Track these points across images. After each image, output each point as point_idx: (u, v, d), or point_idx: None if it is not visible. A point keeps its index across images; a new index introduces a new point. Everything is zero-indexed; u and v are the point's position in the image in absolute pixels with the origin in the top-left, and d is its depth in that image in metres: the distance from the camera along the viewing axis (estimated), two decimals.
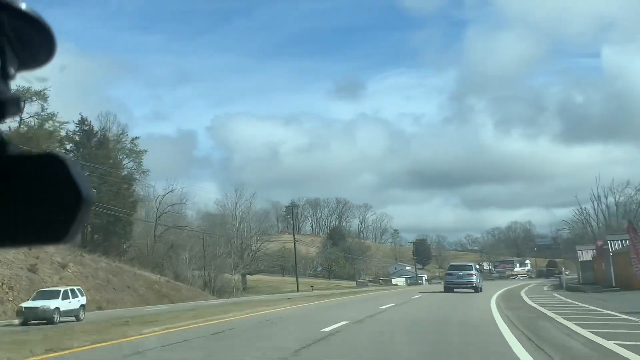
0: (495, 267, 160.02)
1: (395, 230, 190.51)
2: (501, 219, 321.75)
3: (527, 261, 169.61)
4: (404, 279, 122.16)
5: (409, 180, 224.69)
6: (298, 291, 77.64)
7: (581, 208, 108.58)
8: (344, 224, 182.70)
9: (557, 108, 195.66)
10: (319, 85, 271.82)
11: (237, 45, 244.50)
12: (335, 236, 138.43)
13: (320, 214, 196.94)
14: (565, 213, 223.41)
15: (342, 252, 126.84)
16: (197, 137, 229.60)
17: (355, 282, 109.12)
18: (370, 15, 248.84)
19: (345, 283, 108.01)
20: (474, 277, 44.28)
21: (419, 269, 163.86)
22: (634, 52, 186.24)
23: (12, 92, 1.13)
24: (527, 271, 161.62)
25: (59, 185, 1.06)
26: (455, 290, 42.95)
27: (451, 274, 45.13)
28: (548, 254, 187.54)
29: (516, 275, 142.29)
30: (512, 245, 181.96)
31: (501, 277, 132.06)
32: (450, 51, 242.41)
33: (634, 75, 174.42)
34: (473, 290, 42.86)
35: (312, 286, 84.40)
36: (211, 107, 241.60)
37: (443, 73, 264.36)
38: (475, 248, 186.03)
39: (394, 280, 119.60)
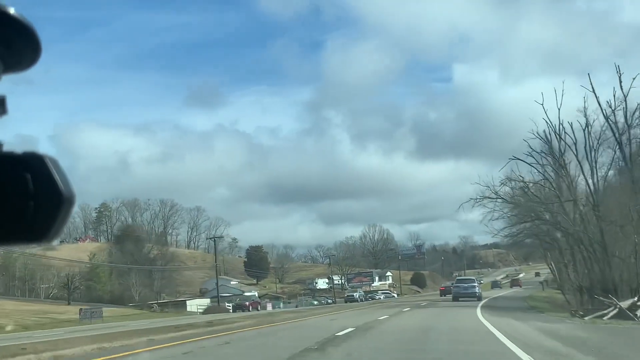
0: (348, 281, 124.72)
1: (234, 239, 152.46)
2: (357, 234, 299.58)
3: (389, 274, 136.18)
4: (210, 301, 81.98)
5: (265, 194, 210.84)
6: None
7: None
8: (170, 230, 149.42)
9: (411, 124, 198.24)
10: (176, 98, 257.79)
11: (92, 56, 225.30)
12: (125, 240, 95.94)
13: (140, 219, 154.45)
14: (420, 229, 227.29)
15: (127, 262, 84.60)
16: (37, 145, 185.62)
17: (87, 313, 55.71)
18: (229, 31, 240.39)
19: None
20: (476, 288, 52.85)
21: (251, 284, 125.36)
22: (485, 69, 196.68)
23: None
24: (389, 286, 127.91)
25: (40, 184, 1.05)
26: (461, 299, 49.71)
27: (458, 286, 54.30)
28: (411, 265, 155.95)
29: (375, 293, 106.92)
30: (370, 255, 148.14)
31: (349, 299, 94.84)
32: (310, 65, 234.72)
33: (483, 92, 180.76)
34: (476, 299, 48.83)
35: None
36: (60, 116, 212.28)
37: (300, 87, 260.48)
38: (327, 261, 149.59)
39: (193, 303, 79.04)
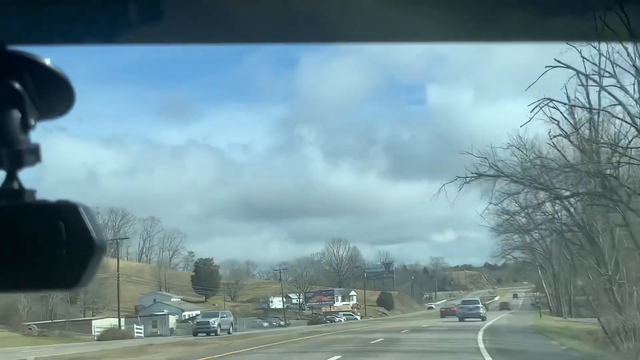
0: (306, 300, 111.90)
1: (190, 253, 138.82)
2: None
3: (353, 293, 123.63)
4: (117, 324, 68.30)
5: (235, 210, 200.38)
6: None
7: None
8: (120, 241, 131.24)
9: (385, 143, 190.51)
10: (147, 112, 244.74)
11: (63, 69, 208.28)
12: None
13: None
14: (391, 249, 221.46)
15: None
16: None
17: None
18: (203, 47, 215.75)
19: None
20: (480, 309, 58.23)
21: (199, 301, 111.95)
22: (459, 89, 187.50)
23: (31, 142, 1.15)
24: (353, 307, 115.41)
25: (73, 232, 1.07)
26: (466, 319, 53.53)
27: (463, 307, 60.06)
28: (378, 284, 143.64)
29: (335, 314, 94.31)
30: (333, 274, 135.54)
31: (308, 319, 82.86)
32: (284, 82, 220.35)
33: (458, 113, 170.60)
34: (481, 319, 52.86)
35: None
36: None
37: (274, 103, 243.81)
38: (290, 279, 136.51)
39: (101, 324, 64.83)
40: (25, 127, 1.14)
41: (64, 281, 1.09)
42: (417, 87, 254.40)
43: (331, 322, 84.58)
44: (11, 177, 1.14)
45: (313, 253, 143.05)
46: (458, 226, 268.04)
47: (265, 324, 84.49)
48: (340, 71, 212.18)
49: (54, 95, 1.18)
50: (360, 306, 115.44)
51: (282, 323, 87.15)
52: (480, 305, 60.70)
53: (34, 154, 1.16)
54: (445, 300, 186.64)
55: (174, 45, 1.26)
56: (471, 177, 25.28)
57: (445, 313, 74.86)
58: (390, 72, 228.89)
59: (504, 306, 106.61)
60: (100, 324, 61.66)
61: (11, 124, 1.13)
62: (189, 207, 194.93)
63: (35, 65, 1.13)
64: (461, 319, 54.54)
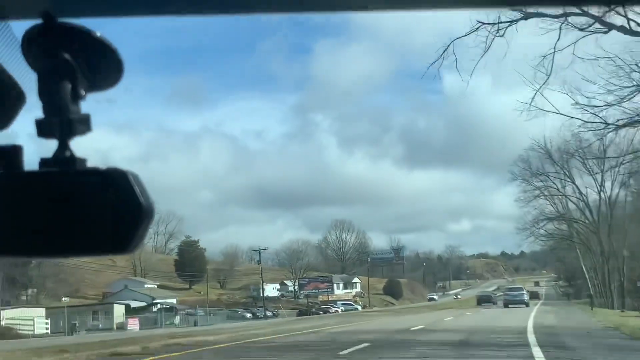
0: (301, 287, 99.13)
1: (187, 237, 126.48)
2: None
3: (356, 280, 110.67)
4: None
5: (249, 198, 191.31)
6: None
7: None
8: None
9: (400, 130, 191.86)
10: (161, 100, 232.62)
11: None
12: None
13: None
14: (406, 239, 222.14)
15: None
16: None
17: None
18: (218, 34, 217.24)
19: None
20: (524, 296, 61.65)
21: (183, 289, 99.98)
22: (477, 76, 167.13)
23: (82, 112, 1.20)
24: (355, 295, 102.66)
25: (122, 197, 1.11)
26: (510, 305, 58.26)
27: (508, 294, 64.29)
28: (387, 271, 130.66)
29: (333, 303, 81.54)
30: (336, 259, 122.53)
31: (299, 313, 70.17)
32: (298, 68, 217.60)
33: (474, 100, 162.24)
34: (525, 305, 57.02)
35: None
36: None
37: (289, 91, 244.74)
38: (285, 264, 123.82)
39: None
40: (76, 97, 1.17)
41: (115, 245, 1.12)
42: (433, 73, 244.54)
43: (325, 312, 71.97)
44: (63, 145, 1.17)
45: (321, 239, 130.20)
46: (475, 215, 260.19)
47: (249, 315, 72.05)
48: (355, 56, 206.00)
49: (104, 67, 1.20)
50: (364, 295, 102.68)
51: (268, 314, 74.63)
52: (524, 292, 64.33)
53: (84, 124, 1.19)
54: (461, 289, 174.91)
55: (195, 16, 1.26)
56: None
57: (481, 300, 77.21)
58: (406, 58, 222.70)
59: (534, 295, 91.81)
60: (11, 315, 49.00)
61: (63, 94, 1.16)
62: (199, 194, 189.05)
63: (86, 37, 1.16)
64: (506, 305, 59.45)
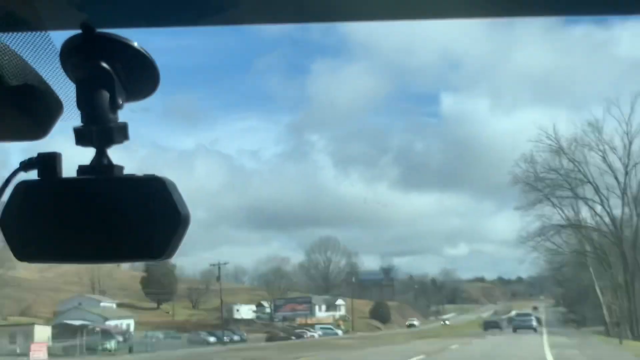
0: (276, 309, 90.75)
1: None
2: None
3: (340, 302, 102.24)
4: None
5: (243, 218, 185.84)
6: None
7: None
8: None
9: (396, 152, 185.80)
10: (156, 116, 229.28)
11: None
12: None
13: None
14: (401, 262, 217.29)
15: None
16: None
17: None
18: (214, 53, 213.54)
19: None
20: (533, 321, 63.65)
21: (150, 308, 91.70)
22: (474, 98, 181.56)
23: (119, 120, 1.23)
24: (339, 318, 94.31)
25: (159, 205, 1.14)
26: (518, 330, 59.79)
27: (516, 319, 67.36)
28: (377, 293, 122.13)
29: (308, 328, 73.16)
30: (320, 280, 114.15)
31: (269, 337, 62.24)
32: (295, 87, 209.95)
33: (472, 122, 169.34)
34: (534, 331, 58.43)
35: None
36: None
37: (285, 111, 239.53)
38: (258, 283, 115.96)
39: None
40: (114, 106, 1.20)
41: (152, 251, 1.15)
42: (430, 94, 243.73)
43: (297, 337, 63.82)
44: (101, 153, 1.20)
45: (303, 259, 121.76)
46: (473, 239, 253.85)
47: (212, 339, 63.87)
48: (352, 76, 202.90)
49: (141, 76, 1.23)
50: (348, 318, 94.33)
51: (235, 338, 66.51)
52: (533, 318, 66.73)
53: (122, 132, 1.22)
54: (454, 314, 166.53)
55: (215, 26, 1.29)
56: None
57: (488, 325, 76.29)
58: (403, 79, 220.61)
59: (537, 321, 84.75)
60: None
61: (101, 103, 1.18)
62: (191, 212, 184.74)
63: (124, 47, 1.19)
64: (514, 330, 61.44)
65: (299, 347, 44.43)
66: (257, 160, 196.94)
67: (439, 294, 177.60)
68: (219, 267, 74.29)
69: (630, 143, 46.81)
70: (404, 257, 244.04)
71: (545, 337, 46.89)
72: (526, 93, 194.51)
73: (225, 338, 65.81)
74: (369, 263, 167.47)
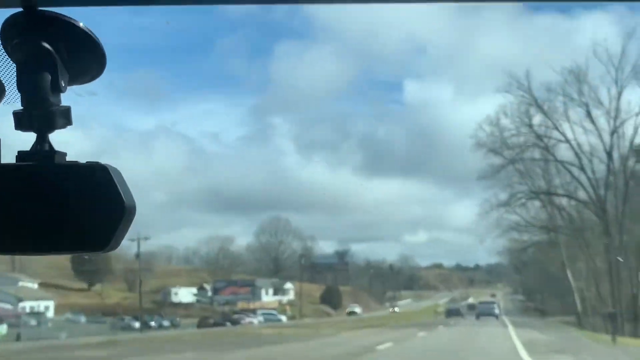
0: (216, 292, 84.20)
1: None
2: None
3: (289, 286, 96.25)
4: None
5: (202, 201, 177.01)
6: None
7: None
8: None
9: (360, 138, 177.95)
10: (115, 96, 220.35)
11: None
12: None
13: None
14: (361, 248, 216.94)
15: None
16: None
17: None
18: (176, 32, 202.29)
19: None
20: (496, 309, 68.37)
21: (81, 289, 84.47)
22: (438, 84, 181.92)
23: (62, 104, 1.17)
24: (286, 303, 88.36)
25: (103, 194, 1.09)
26: (480, 317, 63.17)
27: (479, 306, 71.89)
28: (331, 278, 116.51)
29: (248, 313, 66.88)
30: (269, 261, 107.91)
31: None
32: (259, 69, 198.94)
33: (436, 110, 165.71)
34: (496, 318, 62.51)
35: None
36: None
37: (248, 93, 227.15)
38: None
39: None
40: (56, 89, 1.14)
41: (95, 243, 1.09)
42: (395, 80, 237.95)
43: (234, 323, 57.56)
44: (42, 138, 1.14)
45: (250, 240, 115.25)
46: (432, 226, 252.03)
47: (137, 325, 57.24)
48: (316, 60, 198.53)
49: (86, 58, 1.16)
50: (296, 303, 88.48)
51: (165, 323, 60.03)
52: (496, 305, 71.21)
53: (64, 117, 1.15)
54: (410, 300, 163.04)
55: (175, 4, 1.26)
56: None
57: (450, 313, 76.53)
58: (368, 64, 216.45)
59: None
60: None
61: (42, 86, 1.12)
62: (150, 194, 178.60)
63: (68, 27, 1.12)
64: (477, 317, 63.52)
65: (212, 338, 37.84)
66: (219, 143, 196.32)
67: (395, 279, 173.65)
68: (138, 242, 67.28)
69: (620, 94, 39.67)
70: (363, 244, 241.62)
71: (512, 330, 39.45)
72: (491, 80, 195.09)
73: (152, 323, 59.29)
74: (327, 248, 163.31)
